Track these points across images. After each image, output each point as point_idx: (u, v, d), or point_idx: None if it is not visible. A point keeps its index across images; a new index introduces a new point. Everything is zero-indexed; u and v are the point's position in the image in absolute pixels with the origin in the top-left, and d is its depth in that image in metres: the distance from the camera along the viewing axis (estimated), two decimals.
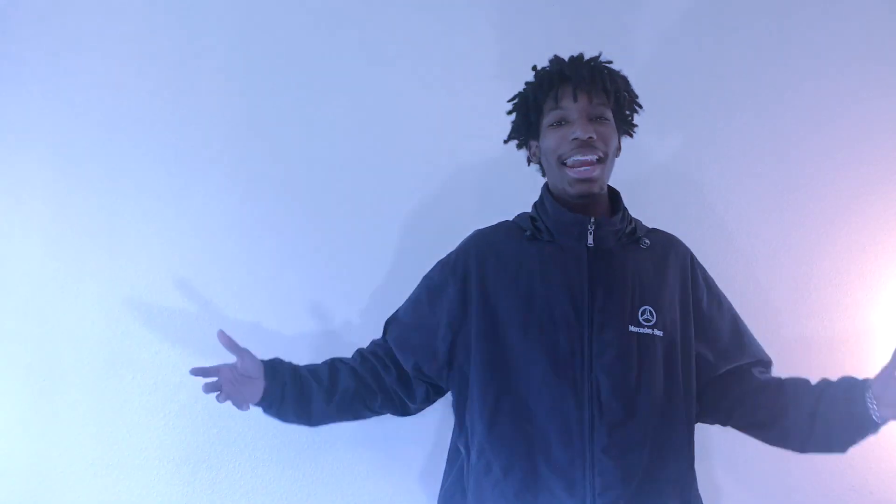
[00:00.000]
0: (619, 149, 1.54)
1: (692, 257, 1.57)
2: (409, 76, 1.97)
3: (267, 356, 1.89)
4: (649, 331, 1.44)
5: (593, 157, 1.45)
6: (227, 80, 1.96)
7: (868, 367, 1.89)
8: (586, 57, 1.53)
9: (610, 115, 1.49)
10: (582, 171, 1.45)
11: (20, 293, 1.89)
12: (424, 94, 1.96)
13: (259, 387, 1.51)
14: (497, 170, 1.93)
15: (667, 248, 1.54)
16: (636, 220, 1.56)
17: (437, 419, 1.88)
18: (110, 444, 1.87)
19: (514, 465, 1.42)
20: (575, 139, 1.44)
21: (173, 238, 1.91)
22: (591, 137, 1.44)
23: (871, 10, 2.02)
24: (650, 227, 1.60)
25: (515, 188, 1.93)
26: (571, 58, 1.52)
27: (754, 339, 1.59)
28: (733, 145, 1.99)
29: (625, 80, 1.53)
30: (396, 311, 1.65)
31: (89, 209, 1.91)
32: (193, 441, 1.88)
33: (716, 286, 1.60)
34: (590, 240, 1.48)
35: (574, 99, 1.46)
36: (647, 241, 1.53)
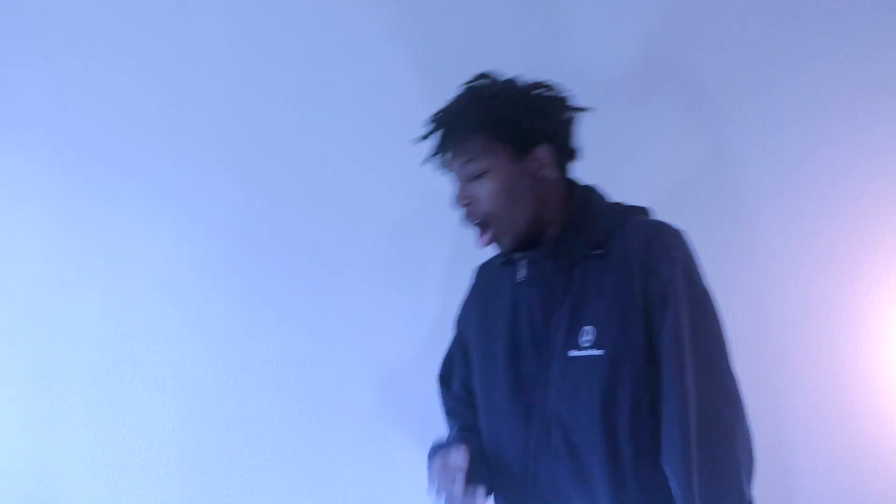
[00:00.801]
0: (542, 166, 1.38)
1: (650, 254, 1.30)
2: (410, 76, 1.97)
3: (267, 356, 1.90)
4: (586, 353, 1.30)
5: (475, 226, 1.40)
6: (228, 79, 1.95)
7: (869, 368, 1.91)
8: (460, 91, 1.43)
9: (488, 160, 1.35)
10: (478, 241, 1.41)
11: (20, 293, 1.89)
12: (425, 94, 1.96)
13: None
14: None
15: (627, 250, 1.32)
16: (600, 224, 1.37)
17: (433, 419, 1.88)
18: (110, 444, 1.87)
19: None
20: None
21: (173, 238, 1.91)
22: (465, 205, 1.39)
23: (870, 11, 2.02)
24: (648, 217, 1.43)
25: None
26: (439, 114, 1.43)
27: (684, 375, 1.25)
28: (733, 145, 1.99)
29: (501, 100, 1.38)
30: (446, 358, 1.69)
31: (89, 209, 1.91)
32: (193, 441, 1.88)
33: (680, 290, 1.27)
34: (521, 275, 1.41)
35: (445, 164, 1.43)
36: (600, 251, 1.34)
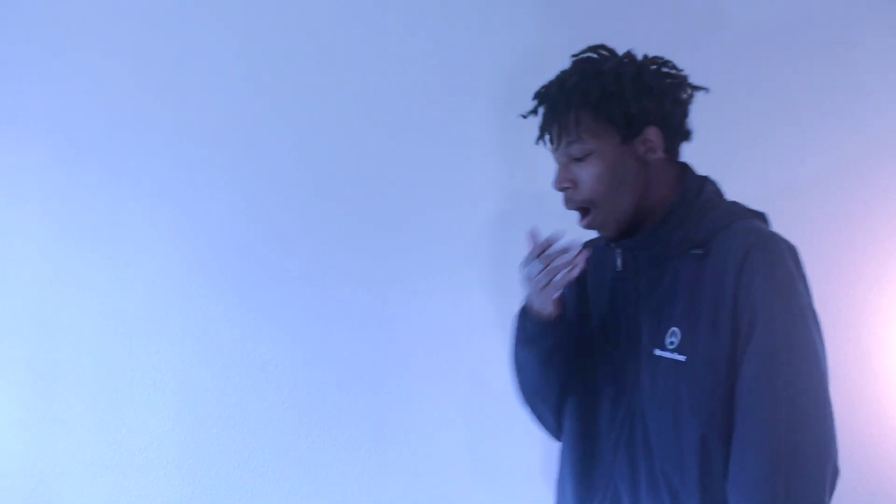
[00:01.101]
0: (650, 149, 1.30)
1: (746, 266, 1.21)
2: (411, 77, 1.96)
3: (266, 357, 1.90)
4: (669, 354, 1.25)
5: (574, 210, 1.32)
6: (228, 79, 1.95)
7: (869, 368, 1.91)
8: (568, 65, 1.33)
9: (593, 142, 1.28)
10: (579, 224, 1.33)
11: (20, 293, 1.89)
12: (426, 95, 1.96)
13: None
14: (502, 171, 1.93)
15: (725, 254, 1.24)
16: (704, 222, 1.29)
17: (432, 419, 1.88)
18: (110, 444, 1.87)
19: (563, 477, 1.40)
20: None
21: (173, 238, 1.91)
22: (564, 188, 1.31)
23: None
24: (751, 218, 1.33)
25: (517, 189, 1.94)
26: (543, 90, 1.34)
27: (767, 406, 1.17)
28: (733, 144, 1.99)
29: (611, 77, 1.28)
30: None
31: (89, 209, 1.91)
32: (193, 441, 1.88)
33: (772, 312, 1.19)
34: (618, 264, 1.36)
35: (551, 142, 1.33)
36: (699, 251, 1.26)
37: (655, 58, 1.34)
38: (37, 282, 1.89)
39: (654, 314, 1.30)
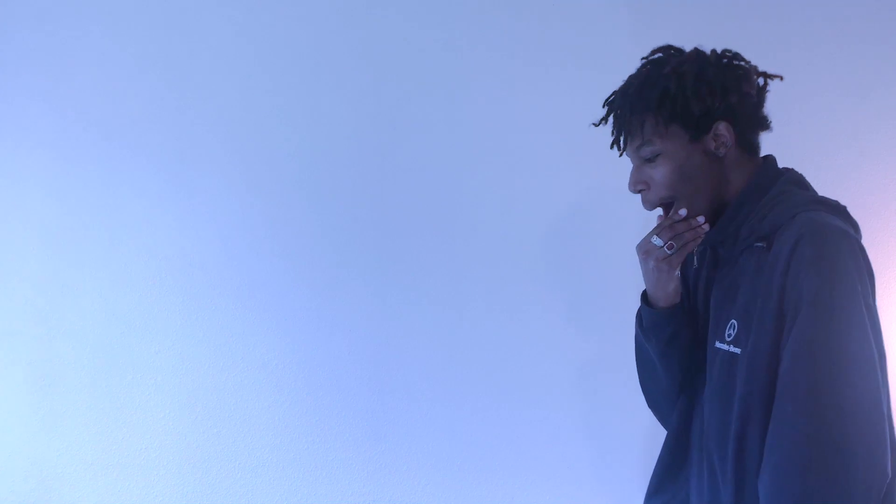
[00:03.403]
0: (722, 144, 1.28)
1: (795, 256, 1.17)
2: (412, 77, 1.96)
3: (266, 357, 1.90)
4: (726, 347, 1.26)
5: (655, 209, 1.33)
6: (228, 79, 1.95)
7: None
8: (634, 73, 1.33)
9: (662, 143, 1.28)
10: None
11: (20, 293, 1.90)
12: (427, 95, 1.96)
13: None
14: (504, 171, 1.93)
15: (781, 246, 1.21)
16: (770, 215, 1.26)
17: (432, 419, 1.89)
18: (110, 444, 1.87)
19: (658, 461, 1.43)
20: None
21: (173, 238, 1.91)
22: (639, 190, 1.32)
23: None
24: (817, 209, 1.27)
25: (517, 189, 1.94)
26: (611, 96, 1.35)
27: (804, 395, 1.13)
28: None
29: (673, 79, 1.27)
30: None
31: (89, 209, 1.91)
32: (193, 441, 1.88)
33: (814, 301, 1.14)
34: (695, 261, 1.39)
35: (619, 148, 1.34)
36: (762, 244, 1.25)
37: (724, 52, 1.32)
38: (37, 282, 1.90)
39: (719, 308, 1.31)
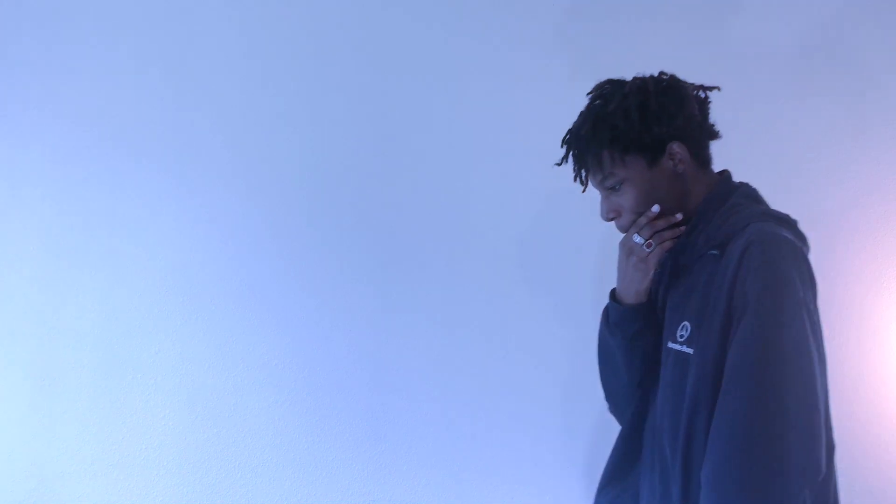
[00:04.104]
0: (679, 162, 1.36)
1: (743, 263, 1.25)
2: (413, 78, 1.97)
3: (266, 357, 1.90)
4: (679, 347, 1.33)
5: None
6: (228, 80, 1.95)
7: (869, 368, 1.91)
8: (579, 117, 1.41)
9: (623, 171, 1.36)
10: None
11: (20, 293, 1.90)
12: (426, 96, 1.96)
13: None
14: (503, 172, 1.93)
15: (731, 255, 1.29)
16: (725, 225, 1.34)
17: (432, 419, 1.89)
18: (110, 444, 1.87)
19: (610, 456, 1.51)
20: None
21: (174, 238, 1.91)
22: (611, 218, 1.40)
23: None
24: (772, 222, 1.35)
25: (517, 189, 1.94)
26: (567, 136, 1.43)
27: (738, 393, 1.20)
28: (733, 144, 1.99)
29: (620, 114, 1.35)
30: None
31: (89, 209, 1.91)
32: (193, 441, 1.88)
33: (758, 305, 1.22)
34: (658, 268, 1.44)
35: (583, 183, 1.42)
36: (716, 252, 1.32)
37: (660, 77, 1.40)
38: (37, 282, 1.90)
39: (673, 311, 1.39)
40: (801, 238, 1.36)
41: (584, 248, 1.90)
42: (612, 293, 1.47)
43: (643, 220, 1.37)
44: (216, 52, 1.96)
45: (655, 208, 1.35)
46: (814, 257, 1.98)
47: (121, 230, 1.91)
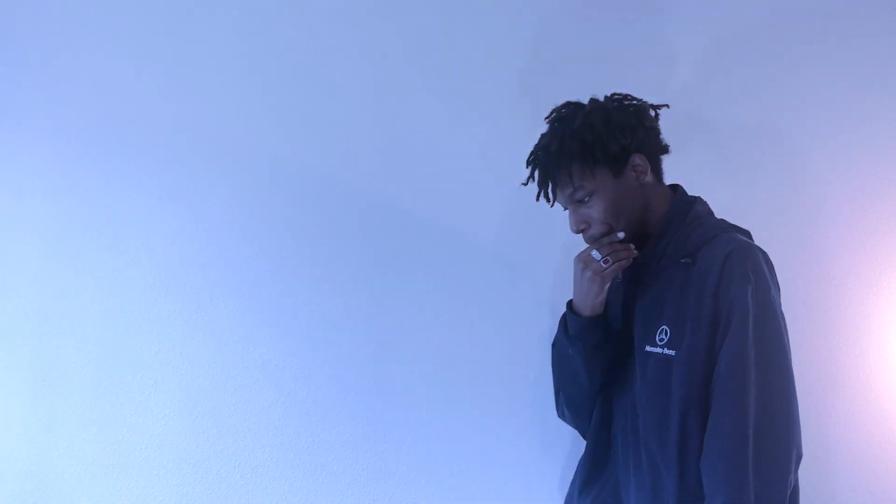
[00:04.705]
0: (641, 173, 1.48)
1: (726, 270, 1.37)
2: (413, 77, 1.97)
3: (266, 357, 1.90)
4: (659, 350, 1.42)
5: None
6: (229, 79, 1.96)
7: (869, 368, 1.91)
8: (547, 128, 1.52)
9: (592, 184, 1.45)
10: None
11: (20, 293, 1.90)
12: (428, 95, 1.96)
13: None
14: (502, 172, 1.93)
15: (709, 261, 1.40)
16: (693, 235, 1.46)
17: (432, 419, 1.89)
18: (110, 444, 1.87)
19: (579, 464, 1.61)
20: None
21: (173, 238, 1.91)
22: (581, 230, 1.48)
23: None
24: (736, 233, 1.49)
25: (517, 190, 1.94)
26: (532, 157, 1.52)
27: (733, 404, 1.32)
28: (732, 144, 1.99)
29: (585, 130, 1.45)
30: None
31: (89, 209, 1.92)
32: (193, 441, 1.88)
33: (747, 308, 1.35)
34: (619, 277, 1.54)
35: (549, 199, 1.52)
36: (688, 260, 1.43)
37: (615, 95, 1.52)
38: (37, 281, 1.90)
39: (646, 316, 1.47)
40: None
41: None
42: (569, 304, 1.55)
43: (605, 240, 1.46)
44: (214, 54, 1.96)
45: (621, 234, 1.45)
46: (814, 257, 2.00)
47: (121, 230, 1.91)
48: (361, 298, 1.91)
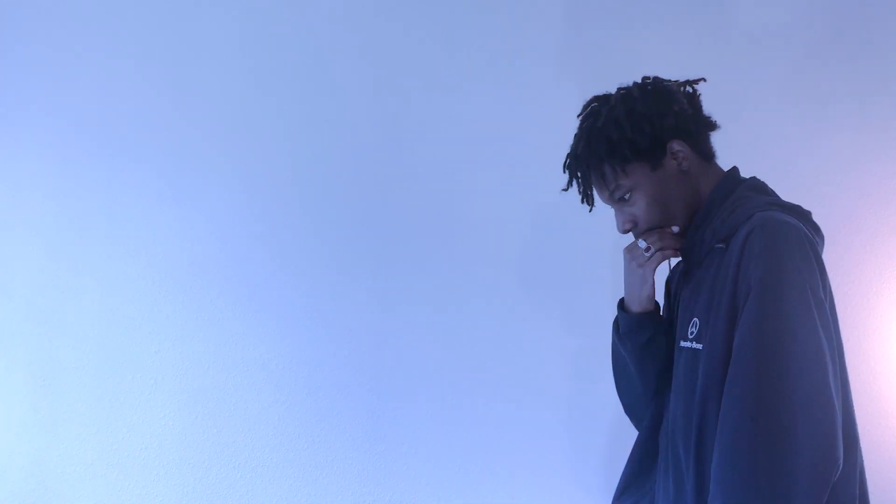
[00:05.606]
0: (682, 159, 1.35)
1: (745, 250, 1.22)
2: (410, 80, 1.96)
3: (266, 357, 1.90)
4: (689, 344, 1.31)
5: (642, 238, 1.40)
6: (229, 79, 1.96)
7: (869, 368, 1.91)
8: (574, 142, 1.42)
9: (629, 181, 1.35)
10: None
11: (20, 293, 1.90)
12: (424, 97, 1.96)
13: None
14: (502, 173, 1.93)
15: (734, 245, 1.26)
16: (730, 218, 1.32)
17: (432, 419, 1.89)
18: (110, 444, 1.87)
19: (633, 456, 1.49)
20: None
21: (173, 238, 1.91)
22: (628, 229, 1.39)
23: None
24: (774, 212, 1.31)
25: (518, 191, 1.94)
26: (566, 160, 1.43)
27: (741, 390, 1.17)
28: (731, 143, 1.98)
29: (612, 126, 1.35)
30: None
31: (89, 210, 1.92)
32: (193, 441, 1.88)
33: (760, 290, 1.19)
34: (669, 269, 1.47)
35: (590, 202, 1.43)
36: (721, 245, 1.30)
37: (643, 81, 1.40)
38: (37, 282, 1.90)
39: (684, 309, 1.38)
40: (814, 228, 1.33)
41: (583, 249, 1.90)
42: (621, 303, 1.46)
43: (656, 230, 1.36)
44: (213, 55, 1.96)
45: (675, 228, 1.36)
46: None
47: (121, 230, 1.91)
48: (361, 299, 1.91)
